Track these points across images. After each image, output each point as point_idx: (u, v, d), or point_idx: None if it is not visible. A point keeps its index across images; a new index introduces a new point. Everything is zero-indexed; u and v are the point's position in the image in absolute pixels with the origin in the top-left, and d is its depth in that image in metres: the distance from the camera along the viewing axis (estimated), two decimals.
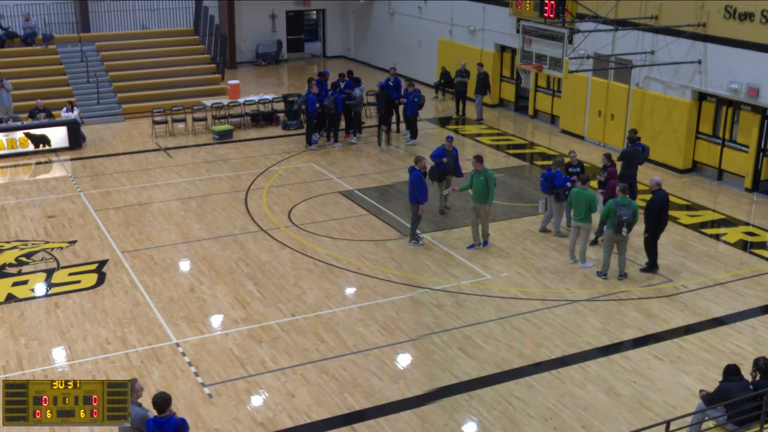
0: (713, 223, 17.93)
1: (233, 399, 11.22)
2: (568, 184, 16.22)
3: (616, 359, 12.31)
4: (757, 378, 9.97)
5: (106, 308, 13.73)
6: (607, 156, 16.48)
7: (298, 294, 14.26)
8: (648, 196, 15.19)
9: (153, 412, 8.72)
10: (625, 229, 14.27)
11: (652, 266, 15.12)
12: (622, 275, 14.83)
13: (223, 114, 24.98)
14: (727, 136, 19.97)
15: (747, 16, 18.61)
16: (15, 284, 14.62)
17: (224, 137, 23.69)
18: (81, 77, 26.66)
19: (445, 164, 17.61)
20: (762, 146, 19.14)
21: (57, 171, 21.13)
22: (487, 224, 16.20)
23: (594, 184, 16.15)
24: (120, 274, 14.99)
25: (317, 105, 22.33)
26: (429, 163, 17.76)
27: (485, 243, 16.21)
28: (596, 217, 15.59)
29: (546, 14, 19.74)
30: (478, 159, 15.83)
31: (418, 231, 16.41)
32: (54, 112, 23.38)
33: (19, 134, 22.08)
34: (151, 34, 29.99)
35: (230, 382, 11.62)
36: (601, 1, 20.89)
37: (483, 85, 25.30)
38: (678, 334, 13.04)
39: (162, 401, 8.61)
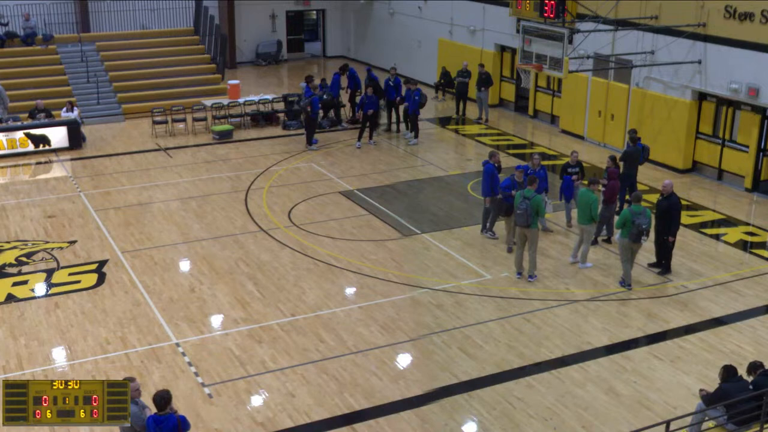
0: (713, 223, 17.93)
1: (233, 399, 11.22)
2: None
3: (616, 359, 12.30)
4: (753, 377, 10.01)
5: (106, 308, 13.73)
6: (612, 158, 16.40)
7: (298, 294, 14.26)
8: (651, 197, 15.11)
9: (153, 411, 8.73)
10: (644, 238, 14.18)
11: (666, 267, 15.11)
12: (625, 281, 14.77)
13: (223, 114, 24.97)
14: (727, 136, 19.97)
15: (747, 16, 18.61)
16: (15, 284, 14.61)
17: (224, 137, 23.69)
18: (81, 77, 26.65)
19: (514, 198, 15.35)
20: (762, 146, 19.14)
21: (57, 171, 21.12)
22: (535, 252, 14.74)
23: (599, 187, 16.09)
24: (120, 274, 14.99)
25: (320, 106, 22.52)
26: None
27: (532, 277, 14.75)
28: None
29: (546, 14, 19.76)
30: (533, 180, 14.81)
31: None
32: (54, 112, 23.36)
33: (19, 134, 22.07)
34: (151, 34, 29.97)
35: (230, 382, 11.62)
36: (601, 1, 20.88)
37: (484, 82, 25.19)
38: (678, 334, 13.05)
39: (161, 399, 8.63)
